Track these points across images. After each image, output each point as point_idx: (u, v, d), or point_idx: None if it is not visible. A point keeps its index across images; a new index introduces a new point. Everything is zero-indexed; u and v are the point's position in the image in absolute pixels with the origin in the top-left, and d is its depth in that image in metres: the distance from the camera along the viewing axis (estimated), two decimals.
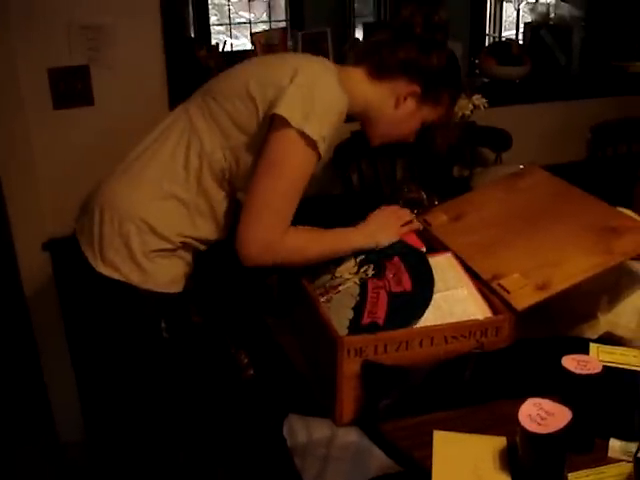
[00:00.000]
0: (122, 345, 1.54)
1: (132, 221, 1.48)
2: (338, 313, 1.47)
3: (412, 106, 1.59)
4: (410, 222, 1.71)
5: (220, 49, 2.46)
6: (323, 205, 2.61)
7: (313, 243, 1.54)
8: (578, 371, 1.25)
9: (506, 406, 1.31)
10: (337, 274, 1.60)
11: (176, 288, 1.54)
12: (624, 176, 2.54)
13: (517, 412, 1.16)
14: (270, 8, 6.18)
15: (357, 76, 1.57)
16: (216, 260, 1.70)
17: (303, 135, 1.39)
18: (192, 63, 2.38)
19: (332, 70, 1.50)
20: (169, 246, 1.51)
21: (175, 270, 1.54)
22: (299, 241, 1.50)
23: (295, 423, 1.49)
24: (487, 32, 4.45)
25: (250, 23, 6.00)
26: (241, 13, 6.21)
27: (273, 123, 1.42)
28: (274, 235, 1.44)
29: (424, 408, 1.38)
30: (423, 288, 1.49)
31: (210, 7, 5.92)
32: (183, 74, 2.31)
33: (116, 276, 1.49)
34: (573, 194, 1.73)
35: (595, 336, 1.46)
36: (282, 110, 1.39)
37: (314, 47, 2.53)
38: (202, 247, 1.57)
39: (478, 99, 2.20)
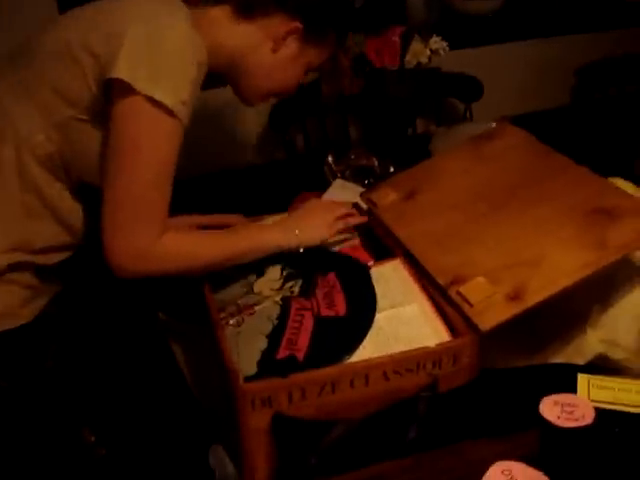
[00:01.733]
0: None
1: None
2: (248, 343, 1.14)
3: (294, 48, 1.28)
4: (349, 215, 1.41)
5: None
6: (263, 174, 2.26)
7: (206, 246, 1.23)
8: (561, 423, 0.92)
9: (469, 450, 1.01)
10: (255, 289, 1.27)
11: (10, 323, 1.18)
12: (616, 125, 2.18)
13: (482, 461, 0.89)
14: None
15: (219, 18, 1.24)
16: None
17: (154, 102, 1.07)
18: None
19: (182, 12, 1.16)
20: None
21: (4, 300, 1.18)
22: (185, 245, 1.20)
23: (221, 453, 1.17)
24: None
25: None
26: None
27: (112, 91, 1.09)
28: (147, 239, 1.12)
29: (364, 461, 1.03)
30: (361, 313, 1.15)
31: None
32: None
33: None
34: (554, 163, 1.37)
35: (584, 361, 1.11)
36: (120, 72, 1.06)
37: None
38: (51, 259, 1.21)
39: (436, 42, 1.81)
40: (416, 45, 1.76)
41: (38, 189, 1.16)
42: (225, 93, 2.23)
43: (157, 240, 1.13)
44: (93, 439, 1.07)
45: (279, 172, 2.10)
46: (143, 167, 1.10)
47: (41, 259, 1.20)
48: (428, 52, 1.78)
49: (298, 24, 1.24)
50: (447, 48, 1.83)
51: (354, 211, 1.45)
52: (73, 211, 1.22)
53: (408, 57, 1.77)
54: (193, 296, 1.39)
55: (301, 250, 1.32)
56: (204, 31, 1.16)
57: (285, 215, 1.45)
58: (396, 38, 1.75)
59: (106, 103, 1.10)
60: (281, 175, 2.07)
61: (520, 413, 1.03)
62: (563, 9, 2.59)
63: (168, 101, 1.07)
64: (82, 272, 1.32)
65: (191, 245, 1.21)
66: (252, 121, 2.27)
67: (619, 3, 2.59)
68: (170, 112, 1.08)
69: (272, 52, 1.27)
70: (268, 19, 1.24)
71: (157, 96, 1.06)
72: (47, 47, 1.16)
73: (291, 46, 1.27)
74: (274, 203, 1.59)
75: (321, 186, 1.76)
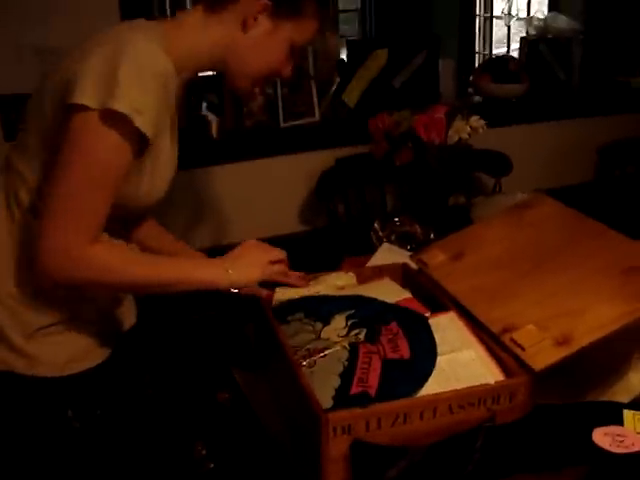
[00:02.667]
0: (24, 446, 1.26)
1: None
2: (322, 381, 1.24)
3: (266, 25, 1.27)
4: (281, 262, 1.45)
5: None
6: (306, 240, 2.41)
7: (133, 266, 1.23)
8: (613, 449, 1.03)
9: None
10: (323, 336, 1.37)
11: (83, 365, 1.28)
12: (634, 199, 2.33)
13: None
14: None
15: (193, 22, 1.27)
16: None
17: (108, 113, 1.09)
18: None
19: (148, 30, 1.21)
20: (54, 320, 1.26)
21: (73, 346, 1.28)
22: (112, 259, 1.20)
23: None
24: (477, 50, 4.28)
25: None
26: None
27: (68, 116, 1.12)
28: (76, 244, 1.13)
29: None
30: (424, 356, 1.27)
31: None
32: None
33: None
34: (589, 227, 1.51)
35: (628, 399, 1.23)
36: (76, 97, 1.09)
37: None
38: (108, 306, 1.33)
39: (476, 121, 1.99)
40: (458, 123, 1.94)
41: None
42: (275, 163, 2.43)
43: (86, 247, 1.13)
44: (204, 452, 1.17)
45: (323, 238, 2.25)
46: (81, 169, 1.11)
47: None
48: (468, 129, 1.96)
49: (266, 1, 1.25)
50: (485, 126, 2.01)
51: (285, 260, 1.47)
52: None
53: (450, 133, 1.95)
54: (249, 344, 1.51)
55: (234, 290, 1.36)
56: (183, 40, 1.23)
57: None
58: (442, 115, 1.93)
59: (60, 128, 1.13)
60: (325, 241, 2.21)
61: (570, 447, 1.14)
62: (585, 94, 2.79)
63: (121, 108, 1.08)
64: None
65: (118, 261, 1.20)
66: (297, 191, 2.44)
67: (628, 89, 2.80)
68: (123, 118, 1.09)
69: (246, 34, 1.27)
70: (237, 5, 1.25)
71: (109, 105, 1.08)
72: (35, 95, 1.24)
73: (264, 24, 1.26)
74: (323, 266, 1.69)
75: (365, 250, 1.89)
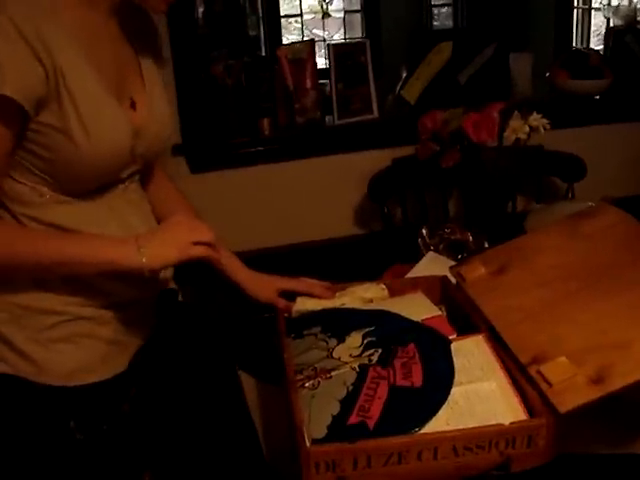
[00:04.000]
0: (25, 453, 1.18)
1: None
2: (321, 406, 1.13)
3: None
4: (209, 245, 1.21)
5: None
6: (357, 244, 2.28)
7: (23, 243, 1.12)
8: None
9: None
10: (335, 354, 1.26)
11: (91, 377, 1.20)
12: None
13: None
14: (345, 25, 5.92)
15: None
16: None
17: None
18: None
19: None
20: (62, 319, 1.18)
21: (79, 356, 1.20)
22: (6, 235, 1.12)
23: None
24: (574, 45, 4.01)
25: (324, 40, 5.72)
26: (315, 31, 5.98)
27: None
28: None
29: None
30: (437, 386, 1.13)
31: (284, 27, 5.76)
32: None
33: (3, 369, 1.17)
34: None
35: None
36: None
37: (352, 61, 2.20)
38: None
39: (536, 119, 1.79)
40: (515, 121, 1.76)
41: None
42: (328, 163, 2.32)
43: None
44: None
45: (375, 243, 2.12)
46: None
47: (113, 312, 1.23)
48: (527, 129, 1.77)
49: None
50: (548, 125, 1.81)
51: (216, 244, 1.22)
52: None
53: (507, 133, 1.77)
54: (272, 356, 1.40)
55: (167, 273, 1.24)
56: None
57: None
58: (495, 114, 1.76)
59: None
60: (377, 246, 2.09)
61: None
62: None
63: None
64: (164, 325, 1.34)
65: (12, 237, 1.12)
66: (352, 192, 2.32)
67: None
68: None
69: None
70: None
71: None
72: None
73: None
74: (367, 273, 1.59)
75: (415, 258, 1.76)
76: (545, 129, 1.80)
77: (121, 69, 1.22)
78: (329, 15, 5.91)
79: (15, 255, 1.11)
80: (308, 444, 1.02)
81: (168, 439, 1.19)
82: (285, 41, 5.67)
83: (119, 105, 1.18)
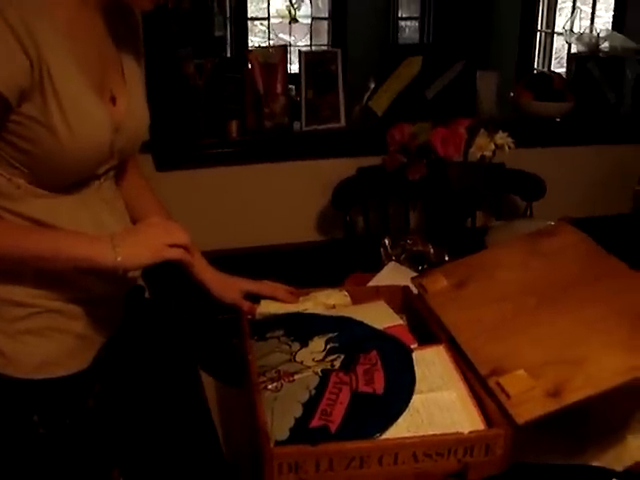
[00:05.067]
0: None
1: None
2: (284, 408, 1.14)
3: None
4: (185, 247, 1.21)
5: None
6: (317, 251, 2.30)
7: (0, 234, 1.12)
8: None
9: None
10: (298, 358, 1.27)
11: (58, 371, 1.19)
12: None
13: None
14: (312, 31, 5.96)
15: None
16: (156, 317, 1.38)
17: None
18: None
19: None
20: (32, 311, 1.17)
21: (48, 349, 1.19)
22: None
23: None
24: (535, 67, 4.11)
25: (290, 45, 5.74)
26: (282, 35, 6.01)
27: None
28: None
29: None
30: (398, 393, 1.15)
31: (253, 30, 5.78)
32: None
33: None
34: (610, 265, 1.36)
35: (620, 468, 1.08)
36: None
37: (322, 69, 2.22)
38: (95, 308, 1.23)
39: (502, 138, 1.84)
40: (482, 139, 1.80)
41: None
42: (293, 168, 2.34)
43: None
44: None
45: (337, 251, 2.14)
46: None
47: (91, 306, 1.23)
48: (493, 146, 1.81)
49: None
50: (512, 144, 1.86)
51: (191, 246, 1.23)
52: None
53: (473, 149, 1.81)
54: (234, 358, 1.41)
55: (136, 272, 1.23)
56: None
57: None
58: (462, 130, 1.80)
59: None
60: (339, 253, 2.10)
61: None
62: (632, 118, 2.61)
63: None
64: (130, 321, 1.34)
65: None
66: (316, 198, 2.34)
67: None
68: None
69: None
70: None
71: None
72: None
73: None
74: (329, 279, 1.59)
75: (376, 267, 1.78)
76: (509, 148, 1.85)
77: (104, 64, 1.22)
78: (296, 20, 5.94)
79: None
80: (271, 445, 1.02)
81: (132, 436, 1.18)
82: (250, 44, 5.69)
83: (101, 100, 1.18)
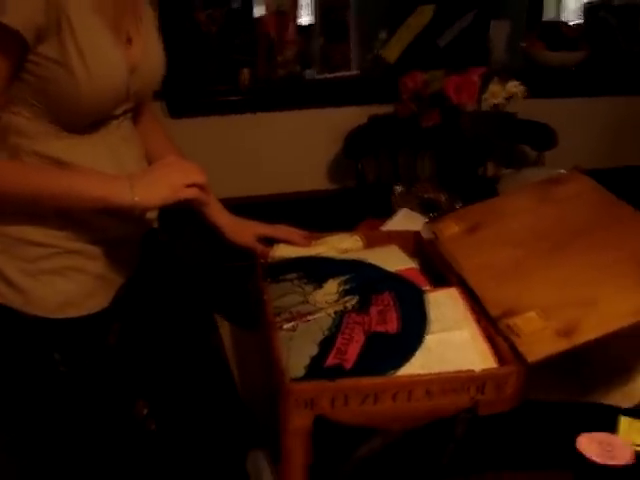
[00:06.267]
0: (12, 380, 1.23)
1: None
2: (300, 347, 1.16)
3: None
4: (201, 187, 1.22)
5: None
6: (329, 199, 2.31)
7: (11, 175, 1.14)
8: (599, 459, 0.92)
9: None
10: (312, 300, 1.29)
11: (78, 311, 1.23)
12: None
13: None
14: None
15: None
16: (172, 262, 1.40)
17: None
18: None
19: None
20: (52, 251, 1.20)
21: (69, 289, 1.22)
22: None
23: (259, 458, 1.20)
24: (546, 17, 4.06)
25: None
26: None
27: None
28: None
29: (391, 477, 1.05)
30: (412, 332, 1.17)
31: None
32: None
33: None
34: (622, 212, 1.37)
35: (628, 405, 1.11)
36: None
37: (334, 16, 2.21)
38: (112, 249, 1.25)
39: (515, 86, 1.84)
40: (494, 86, 1.80)
41: None
42: (305, 116, 2.34)
43: None
44: (146, 412, 1.11)
45: (348, 198, 2.15)
46: None
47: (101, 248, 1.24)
48: (504, 94, 1.81)
49: None
50: (525, 92, 1.86)
51: (205, 186, 1.24)
52: None
53: (486, 96, 1.81)
54: (248, 302, 1.43)
55: (153, 214, 1.25)
56: None
57: None
58: (476, 78, 1.79)
59: None
60: (350, 201, 2.12)
61: (557, 449, 1.03)
62: None
63: None
64: (147, 263, 1.36)
65: (3, 171, 1.14)
66: (328, 147, 2.34)
67: None
68: None
69: None
70: None
71: None
72: None
73: None
74: (340, 226, 1.61)
75: (387, 213, 1.80)
76: (522, 96, 1.85)
77: (120, 6, 1.22)
78: None
79: (11, 186, 1.12)
80: (288, 381, 1.05)
81: (154, 369, 1.22)
82: None
83: (117, 41, 1.18)
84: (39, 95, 1.12)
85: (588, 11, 2.58)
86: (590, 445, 0.95)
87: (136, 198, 1.14)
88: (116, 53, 1.17)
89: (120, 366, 1.22)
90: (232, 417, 1.28)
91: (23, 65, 1.09)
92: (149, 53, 1.28)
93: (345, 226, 1.66)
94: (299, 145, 2.33)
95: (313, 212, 2.07)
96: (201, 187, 1.21)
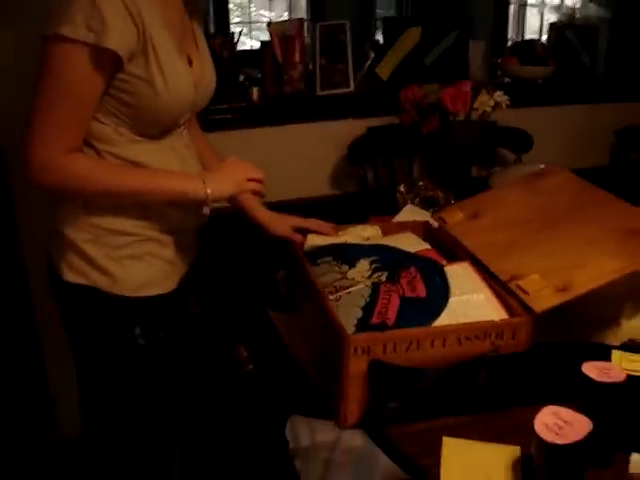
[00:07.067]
0: (97, 352, 1.45)
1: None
2: (346, 312, 1.39)
3: None
4: (259, 181, 1.46)
5: (235, 40, 2.41)
6: (335, 203, 2.56)
7: (106, 173, 1.34)
8: (599, 379, 1.17)
9: (521, 413, 1.24)
10: (349, 276, 1.52)
11: (154, 290, 1.44)
12: None
13: (532, 420, 1.08)
14: (291, 6, 6.13)
15: None
16: (222, 252, 1.63)
17: (59, 38, 1.21)
18: None
19: None
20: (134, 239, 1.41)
21: (148, 272, 1.44)
22: (85, 167, 1.31)
23: (298, 425, 1.42)
24: (509, 37, 4.38)
25: (270, 23, 5.90)
26: (262, 12, 6.17)
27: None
28: (50, 153, 1.27)
29: (433, 412, 1.30)
30: (438, 296, 1.42)
31: (232, 7, 5.92)
32: None
33: (82, 281, 1.40)
34: (597, 196, 1.65)
35: (617, 343, 1.39)
36: (44, 30, 1.23)
37: (333, 39, 2.47)
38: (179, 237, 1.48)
39: (500, 96, 2.13)
40: (483, 97, 2.08)
41: None
42: (311, 129, 2.57)
43: (60, 155, 1.27)
44: (245, 355, 1.34)
45: (353, 200, 2.40)
46: (48, 89, 1.24)
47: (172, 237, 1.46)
48: (492, 103, 2.10)
49: None
50: (508, 102, 2.14)
51: (263, 180, 1.47)
52: None
53: (475, 105, 2.09)
54: (278, 290, 1.66)
55: (207, 210, 1.40)
56: None
57: None
58: (468, 89, 2.08)
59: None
60: (355, 203, 2.37)
61: (563, 380, 1.28)
62: (608, 80, 2.91)
63: (65, 32, 1.19)
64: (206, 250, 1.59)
65: (90, 168, 1.31)
66: (329, 156, 2.60)
67: None
68: (72, 41, 1.20)
69: None
70: None
71: (61, 31, 1.19)
72: None
73: None
74: (349, 223, 1.80)
75: (390, 211, 2.02)
76: (506, 105, 2.13)
77: (183, 29, 1.43)
78: None
79: (107, 183, 1.33)
80: (348, 333, 1.29)
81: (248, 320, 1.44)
82: (232, 21, 5.84)
83: (184, 61, 1.40)
84: (124, 107, 1.33)
85: (556, 30, 2.89)
86: (592, 370, 1.19)
87: (209, 191, 1.36)
88: (186, 70, 1.38)
89: (216, 321, 1.45)
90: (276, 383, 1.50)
91: (112, 82, 1.30)
92: (205, 71, 1.50)
93: (354, 222, 1.88)
94: (305, 155, 2.56)
95: (321, 214, 2.31)
96: (259, 182, 1.45)
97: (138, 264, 1.42)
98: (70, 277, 1.40)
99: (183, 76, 1.37)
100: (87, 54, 1.22)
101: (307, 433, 1.39)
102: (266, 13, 6.16)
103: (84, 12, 1.19)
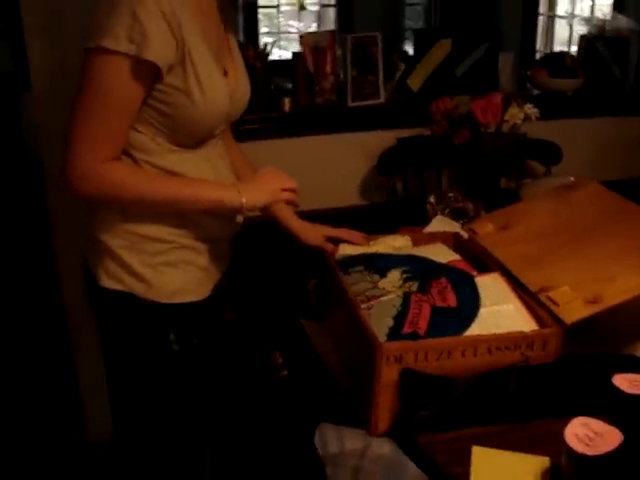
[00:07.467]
0: (131, 357, 1.48)
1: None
2: (378, 321, 1.42)
3: None
4: (293, 191, 1.49)
5: (267, 51, 2.45)
6: (365, 213, 2.59)
7: (143, 182, 1.36)
8: (630, 391, 1.18)
9: (550, 424, 1.25)
10: (380, 286, 1.54)
11: (189, 297, 1.47)
12: None
13: (562, 431, 1.10)
14: (320, 17, 6.20)
15: None
16: (254, 261, 1.66)
17: (101, 50, 1.24)
18: None
19: None
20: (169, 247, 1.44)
21: (182, 279, 1.47)
22: (122, 176, 1.34)
23: (327, 432, 1.44)
24: (538, 48, 4.39)
25: (302, 34, 5.96)
26: (290, 22, 6.24)
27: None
28: (88, 162, 1.30)
29: (463, 422, 1.32)
30: (468, 306, 1.43)
31: (260, 17, 5.99)
32: None
33: (119, 287, 1.43)
34: (626, 208, 1.66)
35: None
36: (86, 43, 1.26)
37: (364, 51, 2.50)
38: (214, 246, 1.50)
39: (529, 108, 2.15)
40: (513, 109, 2.10)
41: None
42: (342, 140, 2.61)
43: (98, 164, 1.30)
44: (280, 361, 1.37)
45: (383, 211, 2.42)
46: (89, 100, 1.27)
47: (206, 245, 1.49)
48: (522, 115, 2.11)
49: None
50: (538, 114, 2.16)
51: (296, 190, 1.49)
52: None
53: (506, 117, 2.11)
54: (309, 300, 1.69)
55: (241, 218, 1.49)
56: None
57: None
58: (499, 101, 2.10)
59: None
60: (385, 213, 2.39)
61: (593, 392, 1.29)
62: (636, 92, 2.92)
63: (107, 44, 1.23)
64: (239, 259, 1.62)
65: (127, 177, 1.34)
66: (359, 167, 2.63)
67: None
68: (114, 52, 1.23)
69: None
70: None
71: (103, 43, 1.23)
72: None
73: None
74: (380, 234, 1.81)
75: (419, 222, 2.04)
76: (536, 117, 2.15)
77: (219, 41, 1.47)
78: (304, 8, 6.17)
79: (145, 192, 1.36)
80: (381, 341, 1.32)
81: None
82: (261, 31, 5.92)
83: (220, 72, 1.42)
84: (162, 118, 1.36)
85: (586, 43, 2.90)
86: (622, 381, 1.20)
87: (244, 200, 1.39)
88: (222, 82, 1.41)
89: (250, 328, 1.48)
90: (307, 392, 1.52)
91: (151, 93, 1.33)
92: (240, 82, 1.52)
93: (385, 233, 1.90)
94: (335, 165, 2.59)
95: (351, 224, 2.34)
96: (293, 191, 1.48)
97: (173, 271, 1.45)
98: (107, 283, 1.44)
99: (220, 87, 1.40)
100: (128, 66, 1.25)
101: (336, 440, 1.40)
102: (295, 24, 6.24)
103: (125, 24, 1.23)
